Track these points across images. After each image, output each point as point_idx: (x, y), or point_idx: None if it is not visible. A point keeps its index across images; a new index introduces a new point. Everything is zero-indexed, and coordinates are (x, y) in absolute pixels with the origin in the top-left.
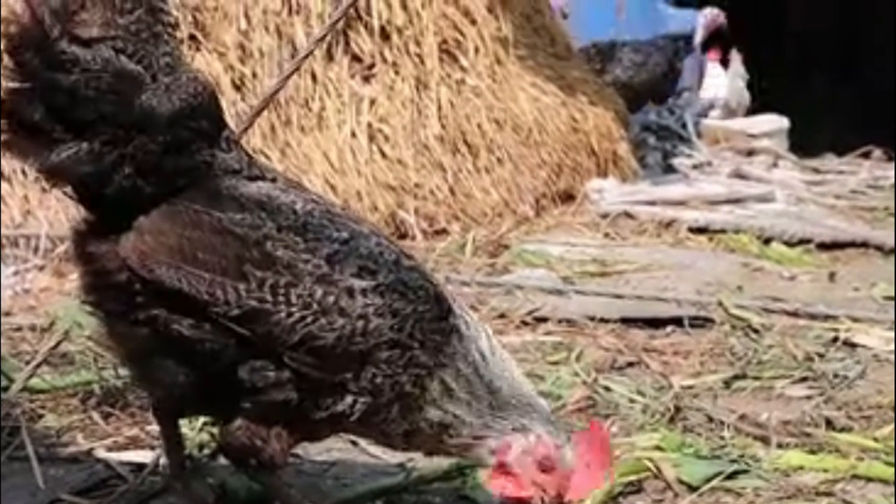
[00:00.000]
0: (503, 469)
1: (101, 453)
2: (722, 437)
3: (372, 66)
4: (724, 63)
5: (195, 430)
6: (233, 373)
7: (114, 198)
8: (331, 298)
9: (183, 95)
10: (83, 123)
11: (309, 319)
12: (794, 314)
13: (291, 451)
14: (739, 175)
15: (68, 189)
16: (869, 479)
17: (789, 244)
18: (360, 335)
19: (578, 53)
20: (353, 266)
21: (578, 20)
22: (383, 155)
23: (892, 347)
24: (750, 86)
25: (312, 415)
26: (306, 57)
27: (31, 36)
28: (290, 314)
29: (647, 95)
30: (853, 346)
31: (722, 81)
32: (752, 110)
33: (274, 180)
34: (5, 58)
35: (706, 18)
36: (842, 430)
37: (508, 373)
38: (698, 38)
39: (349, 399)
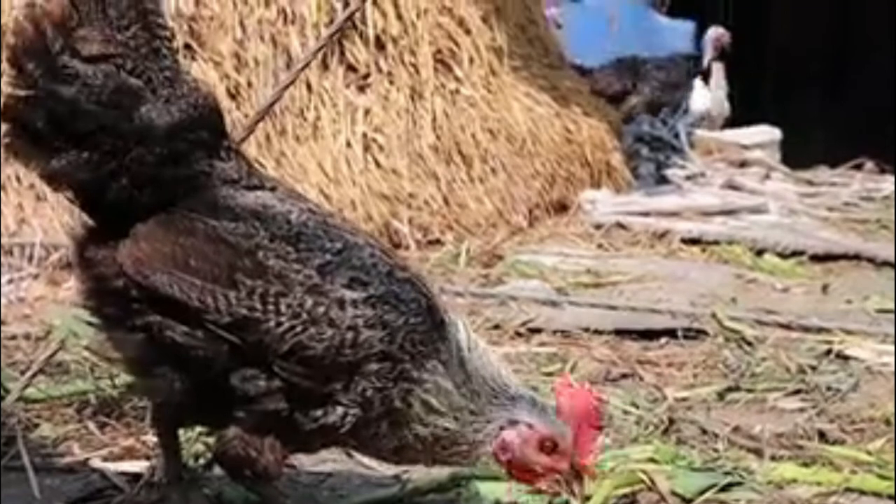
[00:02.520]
0: (513, 464)
1: (97, 463)
2: (715, 450)
3: (367, 75)
4: (704, 75)
5: (191, 441)
6: (225, 381)
7: (112, 205)
8: (321, 309)
9: (182, 107)
10: (83, 134)
11: (298, 329)
12: (788, 326)
13: (286, 462)
14: (732, 186)
15: (69, 194)
16: (862, 492)
17: (782, 256)
18: (350, 346)
19: (607, 69)
20: (345, 277)
21: (572, 30)
22: (378, 164)
23: (885, 360)
24: (731, 97)
25: (304, 425)
26: (303, 68)
27: (34, 48)
28: (279, 323)
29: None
30: (846, 358)
31: (706, 92)
32: (745, 122)
33: (273, 189)
34: (6, 66)
35: (711, 38)
36: (835, 442)
37: (485, 369)
38: (707, 58)
39: (340, 410)
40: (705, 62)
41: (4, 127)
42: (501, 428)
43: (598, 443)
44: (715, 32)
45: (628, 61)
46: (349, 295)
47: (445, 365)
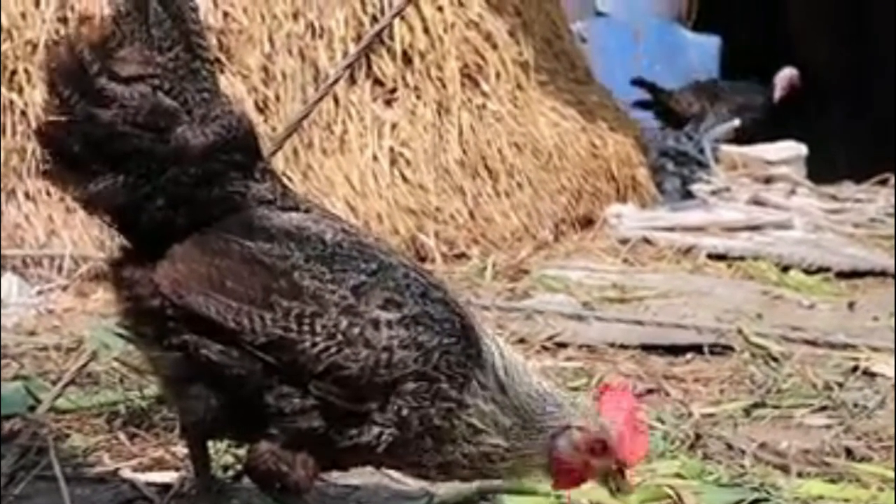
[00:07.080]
0: (566, 471)
1: (127, 474)
2: (742, 466)
3: (394, 90)
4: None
5: (220, 453)
6: (260, 399)
7: (148, 227)
8: (356, 329)
9: (216, 129)
10: (120, 156)
11: (333, 350)
12: (814, 343)
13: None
14: (758, 202)
15: (106, 218)
16: None
17: (808, 272)
18: (385, 367)
19: (685, 90)
20: (380, 298)
21: (596, 44)
22: (404, 178)
23: None
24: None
25: (338, 443)
26: (333, 84)
27: (71, 71)
28: (314, 344)
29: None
30: (872, 375)
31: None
32: (771, 138)
33: (308, 210)
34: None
35: (783, 77)
36: (862, 459)
37: (525, 384)
38: (777, 95)
39: (375, 430)
40: (776, 97)
41: (41, 152)
42: (553, 437)
43: (643, 440)
44: (788, 72)
45: (706, 83)
46: (384, 316)
47: (484, 387)
